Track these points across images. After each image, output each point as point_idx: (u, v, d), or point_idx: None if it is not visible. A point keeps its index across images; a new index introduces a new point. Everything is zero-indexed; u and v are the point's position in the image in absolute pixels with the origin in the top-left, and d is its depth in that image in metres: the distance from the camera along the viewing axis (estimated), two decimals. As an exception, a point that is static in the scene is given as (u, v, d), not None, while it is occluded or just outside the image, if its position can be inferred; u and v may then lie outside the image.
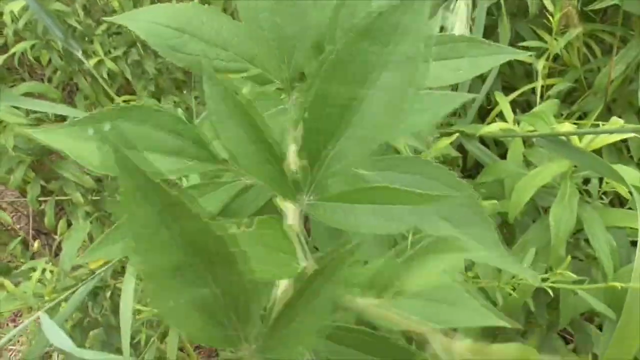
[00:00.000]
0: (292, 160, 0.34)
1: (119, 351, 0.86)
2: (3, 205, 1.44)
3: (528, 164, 0.80)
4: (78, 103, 1.31)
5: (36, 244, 1.21)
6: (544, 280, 0.64)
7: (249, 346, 0.24)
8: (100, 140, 0.35)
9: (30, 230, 1.42)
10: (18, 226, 1.43)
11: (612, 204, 0.79)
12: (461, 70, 0.48)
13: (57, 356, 0.95)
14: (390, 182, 0.36)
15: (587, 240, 0.75)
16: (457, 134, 0.76)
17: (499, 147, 0.99)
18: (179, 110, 0.58)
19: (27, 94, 1.15)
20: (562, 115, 0.98)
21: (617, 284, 0.61)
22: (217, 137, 0.34)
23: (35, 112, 1.09)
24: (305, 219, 0.35)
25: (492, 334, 0.77)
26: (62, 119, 1.15)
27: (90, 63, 1.13)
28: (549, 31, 0.92)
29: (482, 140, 0.94)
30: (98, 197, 1.15)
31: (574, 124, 0.87)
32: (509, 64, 1.05)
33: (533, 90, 0.97)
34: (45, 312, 0.78)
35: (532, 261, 0.71)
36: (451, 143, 0.79)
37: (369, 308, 0.26)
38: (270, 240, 0.31)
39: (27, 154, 1.07)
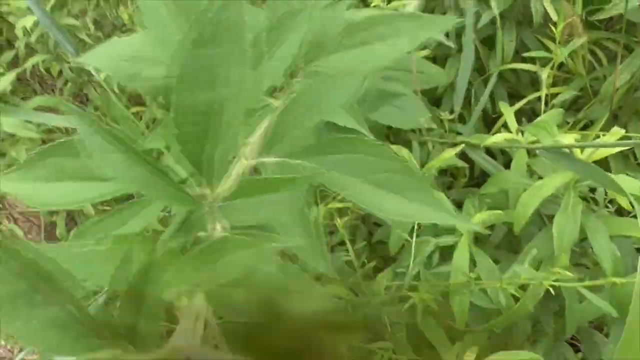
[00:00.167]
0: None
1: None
2: (15, 216, 1.45)
3: (532, 174, 0.80)
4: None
5: (48, 254, 1.22)
6: (545, 279, 0.65)
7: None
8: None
9: (42, 241, 1.43)
10: (29, 237, 1.45)
11: (619, 212, 0.79)
12: (398, 45, 0.53)
13: None
14: (333, 166, 0.43)
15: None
16: (463, 145, 0.77)
17: (505, 155, 1.00)
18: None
19: (39, 107, 1.17)
20: (567, 123, 0.98)
21: (618, 280, 0.62)
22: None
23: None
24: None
25: (502, 342, 0.78)
26: (73, 131, 1.17)
27: (100, 75, 1.15)
28: (554, 40, 0.93)
29: (489, 150, 0.94)
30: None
31: (580, 132, 0.87)
32: (514, 71, 1.06)
33: (539, 97, 0.98)
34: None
35: (538, 269, 0.72)
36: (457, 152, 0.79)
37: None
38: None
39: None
